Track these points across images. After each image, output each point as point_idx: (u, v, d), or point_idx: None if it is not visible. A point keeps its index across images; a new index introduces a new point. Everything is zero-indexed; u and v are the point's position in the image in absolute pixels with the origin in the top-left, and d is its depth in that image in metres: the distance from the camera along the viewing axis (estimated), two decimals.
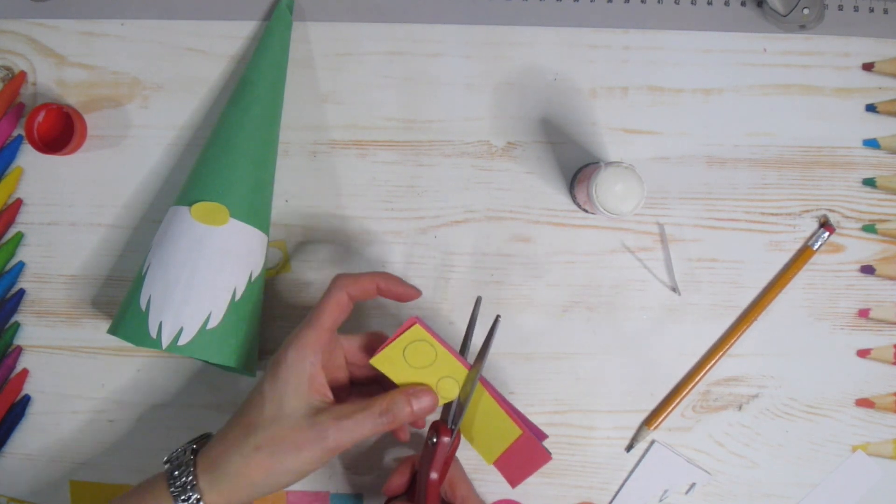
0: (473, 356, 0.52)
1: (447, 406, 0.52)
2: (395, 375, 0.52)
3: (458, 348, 0.53)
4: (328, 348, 0.51)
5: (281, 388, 0.49)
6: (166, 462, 0.49)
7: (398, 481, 0.55)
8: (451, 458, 0.52)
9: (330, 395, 0.50)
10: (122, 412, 0.60)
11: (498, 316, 0.51)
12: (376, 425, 0.49)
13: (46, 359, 0.60)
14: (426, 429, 0.54)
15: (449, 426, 0.52)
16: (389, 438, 0.60)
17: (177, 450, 0.50)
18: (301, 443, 0.47)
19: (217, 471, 0.48)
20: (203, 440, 0.51)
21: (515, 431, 0.52)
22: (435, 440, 0.51)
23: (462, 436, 0.53)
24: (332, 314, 0.51)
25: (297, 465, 0.48)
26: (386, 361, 0.51)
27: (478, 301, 0.54)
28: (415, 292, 0.53)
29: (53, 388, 0.60)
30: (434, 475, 0.51)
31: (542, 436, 0.54)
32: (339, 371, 0.53)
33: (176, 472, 0.48)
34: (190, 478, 0.48)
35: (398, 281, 0.52)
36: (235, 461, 0.47)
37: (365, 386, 0.55)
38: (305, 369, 0.49)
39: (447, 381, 0.51)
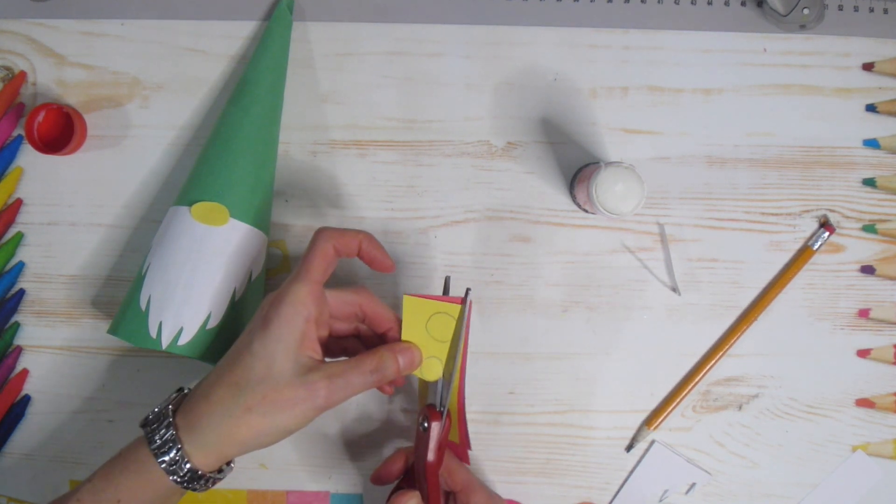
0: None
1: (433, 390, 0.52)
2: (407, 324, 0.51)
3: None
4: (318, 303, 0.50)
5: (272, 346, 0.47)
6: (143, 425, 0.48)
7: (390, 468, 0.54)
8: (444, 440, 0.52)
9: (320, 353, 0.49)
10: (122, 412, 0.60)
11: (468, 289, 0.50)
12: (366, 383, 0.48)
13: (46, 359, 0.60)
14: (413, 412, 0.54)
15: (438, 408, 0.51)
16: (390, 436, 0.60)
17: (154, 410, 0.48)
18: (293, 403, 0.46)
19: (201, 430, 0.47)
20: (179, 395, 0.49)
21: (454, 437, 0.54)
22: (427, 424, 0.51)
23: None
24: (321, 267, 0.49)
25: (288, 424, 0.47)
26: (413, 308, 0.51)
27: (447, 280, 0.53)
28: (391, 264, 0.52)
29: (53, 388, 0.60)
30: (431, 457, 0.51)
31: (467, 444, 0.56)
32: (323, 327, 0.51)
33: (156, 437, 0.46)
34: (171, 435, 0.46)
35: (379, 246, 0.52)
36: (224, 422, 0.46)
37: (342, 339, 0.54)
38: (299, 326, 0.47)
39: (433, 362, 0.51)
